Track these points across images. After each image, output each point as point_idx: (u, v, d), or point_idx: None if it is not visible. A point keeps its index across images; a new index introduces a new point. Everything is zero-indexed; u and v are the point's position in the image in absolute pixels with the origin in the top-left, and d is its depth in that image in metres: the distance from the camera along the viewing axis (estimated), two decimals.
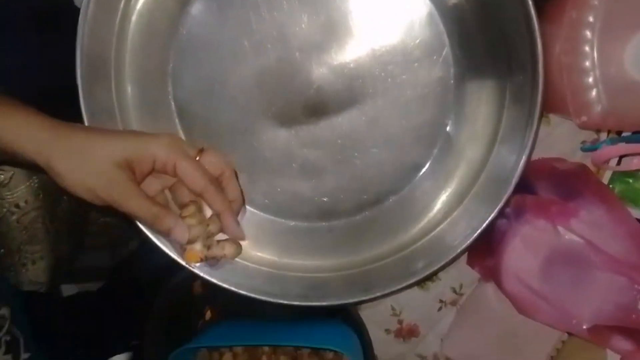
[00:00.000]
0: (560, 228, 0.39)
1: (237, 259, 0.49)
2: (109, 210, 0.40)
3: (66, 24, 0.45)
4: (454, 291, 0.54)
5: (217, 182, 0.41)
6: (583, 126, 0.38)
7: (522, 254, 0.41)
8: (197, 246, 0.41)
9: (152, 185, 0.42)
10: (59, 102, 0.51)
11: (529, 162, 0.42)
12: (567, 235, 0.39)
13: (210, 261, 0.43)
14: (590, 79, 0.35)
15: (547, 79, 0.39)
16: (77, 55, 0.43)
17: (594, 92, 0.36)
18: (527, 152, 0.42)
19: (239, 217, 0.44)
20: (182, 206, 0.42)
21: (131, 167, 0.39)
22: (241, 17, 0.47)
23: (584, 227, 0.38)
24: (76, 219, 0.60)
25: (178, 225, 0.40)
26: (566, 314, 0.40)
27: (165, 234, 0.41)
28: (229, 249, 0.43)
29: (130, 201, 0.39)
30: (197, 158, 0.42)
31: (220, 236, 0.44)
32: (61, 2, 0.50)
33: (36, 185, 0.58)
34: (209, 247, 0.42)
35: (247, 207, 0.51)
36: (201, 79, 0.49)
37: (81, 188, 0.38)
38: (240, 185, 0.44)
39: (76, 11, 0.44)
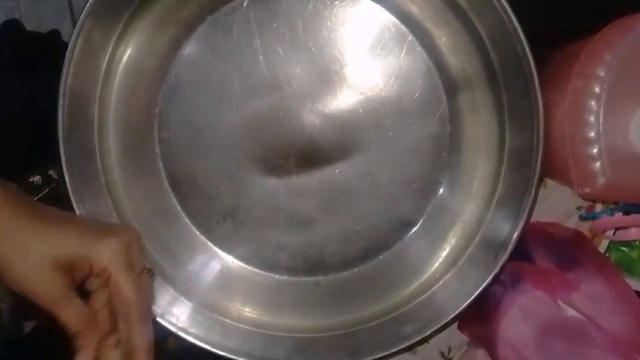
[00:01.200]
0: (560, 302, 0.37)
1: (215, 315, 0.46)
2: None
3: (45, 60, 0.43)
4: (443, 355, 0.52)
5: (145, 312, 0.37)
6: (585, 197, 0.37)
7: (518, 324, 0.39)
8: None
9: (95, 280, 0.37)
10: (30, 138, 0.48)
11: (526, 227, 0.41)
12: (568, 309, 0.37)
13: None
14: (595, 150, 0.35)
15: (547, 146, 0.38)
16: (60, 94, 0.41)
17: (598, 164, 0.35)
18: (524, 218, 0.40)
19: None
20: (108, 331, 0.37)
21: (70, 268, 0.35)
22: (235, 62, 0.46)
23: (584, 301, 0.37)
24: None
25: (89, 350, 0.35)
26: None
27: (74, 349, 0.36)
28: None
29: (56, 312, 0.35)
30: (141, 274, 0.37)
31: None
32: (47, 37, 0.49)
33: None
34: None
35: (232, 257, 0.48)
36: (189, 123, 0.47)
37: (11, 284, 0.34)
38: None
39: (62, 47, 0.42)
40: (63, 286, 0.35)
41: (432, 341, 0.51)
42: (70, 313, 0.35)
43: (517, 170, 0.41)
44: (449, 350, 0.52)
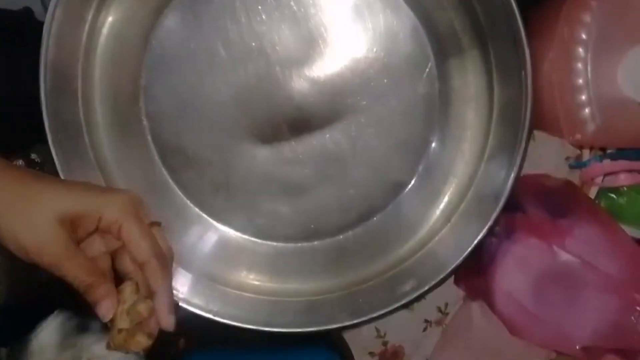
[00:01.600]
0: (555, 247, 0.38)
1: (216, 284, 0.47)
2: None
3: (26, 37, 0.42)
4: (440, 310, 0.53)
5: (163, 258, 0.37)
6: (575, 144, 0.38)
7: (514, 273, 0.40)
8: (121, 329, 0.35)
9: (95, 245, 0.37)
10: (17, 117, 0.47)
11: (517, 180, 0.41)
12: (562, 254, 0.38)
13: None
14: (584, 97, 0.35)
15: (536, 96, 0.38)
16: (41, 69, 0.40)
17: (587, 110, 0.35)
18: (515, 170, 0.41)
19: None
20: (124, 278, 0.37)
21: (74, 224, 0.35)
22: (218, 29, 0.45)
23: (578, 245, 0.38)
24: None
25: (108, 299, 0.35)
26: (560, 334, 0.39)
27: (92, 304, 0.36)
28: (144, 342, 0.36)
29: (64, 266, 0.34)
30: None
31: None
32: (20, 14, 0.47)
33: None
34: (130, 335, 0.36)
35: (228, 228, 0.48)
36: (175, 95, 0.46)
37: (13, 245, 0.33)
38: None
39: (37, 24, 0.40)
40: (69, 241, 0.34)
41: (428, 297, 0.52)
42: (79, 266, 0.34)
43: (507, 123, 0.42)
44: (446, 305, 0.53)
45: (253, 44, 0.45)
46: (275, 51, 0.45)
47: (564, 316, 0.39)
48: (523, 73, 0.38)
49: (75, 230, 0.35)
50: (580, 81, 0.35)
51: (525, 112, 0.39)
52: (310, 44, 0.45)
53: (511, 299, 0.40)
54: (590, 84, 0.35)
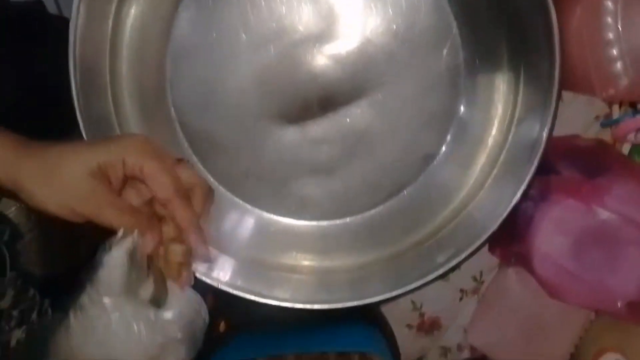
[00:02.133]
0: (594, 207, 0.38)
1: (257, 267, 0.47)
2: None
3: (40, 34, 0.43)
4: (475, 279, 0.53)
5: (186, 194, 0.38)
6: (608, 100, 0.37)
7: (553, 235, 0.40)
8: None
9: (132, 197, 0.39)
10: (32, 115, 0.48)
11: (549, 141, 0.41)
12: (602, 213, 0.38)
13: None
14: (615, 51, 0.35)
15: (564, 55, 0.38)
16: (70, 66, 0.41)
17: (619, 65, 0.35)
18: (547, 130, 0.41)
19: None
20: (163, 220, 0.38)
21: (106, 174, 0.36)
22: (237, 12, 0.45)
23: (617, 203, 0.38)
24: (73, 237, 0.57)
25: (149, 233, 0.36)
26: (601, 292, 0.39)
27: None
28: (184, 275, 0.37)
29: (108, 212, 0.36)
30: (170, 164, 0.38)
31: None
32: (32, 6, 0.47)
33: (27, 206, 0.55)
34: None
35: (262, 211, 0.49)
36: (200, 83, 0.47)
37: (55, 205, 0.35)
38: (211, 210, 0.40)
39: (49, 17, 0.41)
40: (106, 190, 0.36)
41: (463, 267, 0.52)
42: (121, 209, 0.36)
43: (536, 84, 0.41)
44: (481, 274, 0.53)
45: (274, 24, 0.45)
46: (296, 31, 0.45)
47: (605, 274, 0.39)
48: (550, 29, 0.37)
49: (108, 181, 0.36)
50: (611, 35, 0.35)
51: (554, 70, 0.39)
52: (331, 21, 0.45)
53: (551, 261, 0.40)
54: (622, 38, 0.34)
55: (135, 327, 0.34)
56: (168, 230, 0.38)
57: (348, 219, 0.50)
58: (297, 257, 0.49)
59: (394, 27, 0.45)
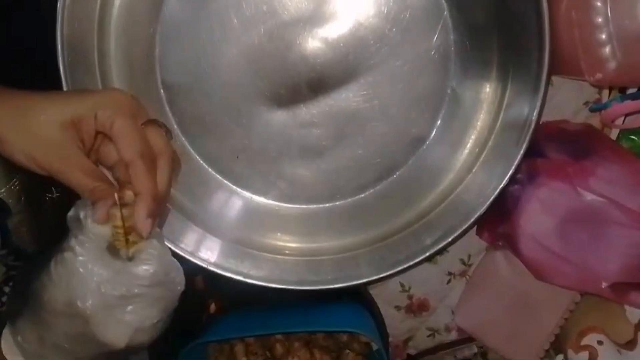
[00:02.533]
0: (579, 189, 0.38)
1: (245, 248, 0.47)
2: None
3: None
4: (463, 262, 0.54)
5: (151, 161, 0.36)
6: (596, 84, 0.38)
7: (539, 216, 0.40)
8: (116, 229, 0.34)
9: (109, 152, 0.37)
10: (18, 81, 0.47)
11: (538, 124, 0.41)
12: (587, 194, 0.38)
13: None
14: (604, 35, 0.35)
15: (553, 37, 0.38)
16: (58, 44, 0.40)
17: (608, 48, 0.35)
18: (536, 114, 0.41)
19: (155, 213, 0.35)
20: (121, 185, 0.36)
21: (78, 128, 0.35)
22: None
23: (602, 184, 0.38)
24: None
25: (102, 201, 0.34)
26: (586, 274, 0.40)
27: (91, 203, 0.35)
28: (134, 242, 0.35)
29: (70, 171, 0.34)
30: (142, 126, 0.36)
31: None
32: None
33: (17, 188, 0.55)
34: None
35: (250, 193, 0.49)
36: (190, 63, 0.46)
37: (21, 153, 0.34)
38: (171, 180, 0.37)
39: None
40: (74, 145, 0.34)
41: (451, 250, 0.53)
42: (83, 170, 0.34)
43: (526, 68, 0.41)
44: (469, 257, 0.53)
45: (264, 7, 0.45)
46: (286, 12, 0.45)
47: (590, 255, 0.40)
48: (540, 14, 0.37)
49: (79, 135, 0.35)
50: (600, 19, 0.35)
51: (544, 54, 0.39)
52: (321, 2, 0.45)
53: (536, 243, 0.41)
54: (611, 21, 0.34)
55: (96, 270, 0.33)
56: (129, 195, 0.35)
57: (337, 202, 0.50)
58: (285, 238, 0.49)
59: (385, 9, 0.45)
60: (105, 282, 0.33)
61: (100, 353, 0.35)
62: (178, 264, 0.36)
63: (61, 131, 0.34)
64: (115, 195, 0.34)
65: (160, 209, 0.36)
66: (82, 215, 0.34)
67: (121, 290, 0.33)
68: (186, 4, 0.45)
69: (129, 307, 0.33)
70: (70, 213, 0.34)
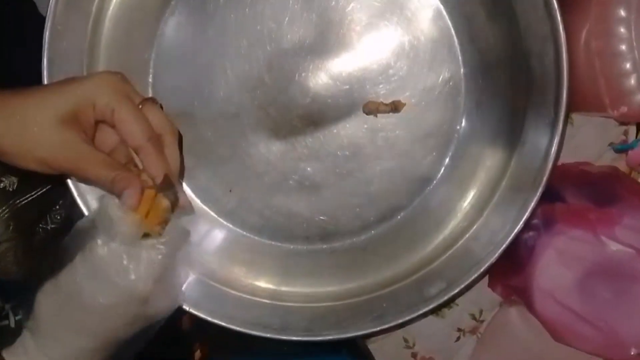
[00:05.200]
0: (603, 238, 0.34)
1: (228, 289, 0.44)
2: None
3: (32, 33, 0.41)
4: (473, 318, 0.49)
5: (158, 141, 0.36)
6: (622, 119, 0.34)
7: (557, 269, 0.36)
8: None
9: (107, 137, 0.36)
10: None
11: (555, 165, 0.37)
12: (612, 244, 0.34)
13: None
14: (628, 65, 0.31)
15: (572, 70, 0.34)
16: (44, 63, 0.39)
17: (633, 79, 0.31)
18: (554, 153, 0.37)
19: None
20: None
21: (77, 121, 0.34)
22: (226, 20, 0.43)
23: (630, 234, 0.33)
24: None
25: (131, 187, 0.34)
26: (611, 337, 0.35)
27: (119, 197, 0.35)
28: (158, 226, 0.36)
29: (84, 166, 0.34)
30: (140, 107, 0.36)
31: None
32: (25, 9, 0.46)
33: (6, 215, 0.53)
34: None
35: (239, 230, 0.46)
36: (184, 90, 0.45)
37: (31, 162, 0.33)
38: (181, 156, 0.38)
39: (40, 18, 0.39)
40: (80, 140, 0.34)
41: (461, 303, 0.48)
42: (98, 162, 0.34)
43: (542, 103, 0.38)
44: (480, 312, 0.49)
45: (265, 33, 0.43)
46: (287, 40, 0.43)
47: (616, 316, 0.34)
48: (557, 42, 0.34)
49: (80, 127, 0.34)
50: (624, 47, 0.31)
51: (561, 86, 0.35)
52: (325, 31, 0.43)
53: (553, 300, 0.36)
54: (636, 49, 0.31)
55: (139, 253, 0.34)
56: (145, 179, 0.35)
57: (335, 243, 0.46)
58: (276, 281, 0.45)
59: (391, 40, 0.43)
60: (149, 261, 0.34)
61: (140, 332, 0.36)
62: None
63: (62, 127, 0.33)
64: (145, 176, 0.34)
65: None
66: (109, 208, 0.34)
67: (163, 262, 0.35)
68: (184, 30, 0.44)
69: (173, 274, 0.37)
70: (97, 211, 0.35)
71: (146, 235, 0.35)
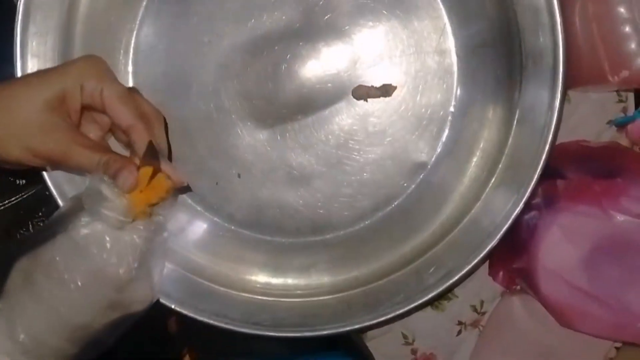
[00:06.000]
0: (609, 210, 0.32)
1: (216, 286, 0.41)
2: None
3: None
4: (474, 310, 0.47)
5: (147, 121, 0.35)
6: (623, 84, 0.32)
7: (562, 247, 0.34)
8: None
9: (90, 131, 0.36)
10: None
11: (555, 141, 0.36)
12: (619, 216, 0.32)
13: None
14: (628, 28, 0.30)
15: (568, 39, 0.33)
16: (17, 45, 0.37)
17: (633, 42, 0.30)
18: (552, 128, 0.36)
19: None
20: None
21: (64, 106, 0.33)
22: (207, 2, 0.42)
23: (637, 204, 0.32)
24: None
25: (126, 168, 0.33)
26: (624, 316, 0.33)
27: (113, 179, 0.34)
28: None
29: (74, 151, 0.33)
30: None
31: None
32: None
33: None
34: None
35: (226, 224, 0.44)
36: (164, 77, 0.43)
37: (15, 148, 0.32)
38: (168, 142, 0.38)
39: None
40: (67, 125, 0.33)
41: (460, 295, 0.46)
42: (87, 146, 0.33)
43: (538, 77, 0.36)
44: (481, 303, 0.47)
45: (247, 16, 0.42)
46: (272, 24, 0.42)
47: (627, 292, 0.33)
48: (551, 12, 0.33)
49: (67, 114, 0.33)
50: (622, 10, 0.30)
51: (558, 58, 0.34)
52: (311, 13, 0.42)
53: (560, 279, 0.34)
54: (636, 11, 0.30)
55: (124, 237, 0.33)
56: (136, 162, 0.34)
57: (328, 235, 0.44)
58: (267, 275, 0.43)
59: (384, 23, 0.42)
60: (132, 245, 0.33)
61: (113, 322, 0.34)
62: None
63: (49, 112, 0.33)
64: (136, 160, 0.33)
65: None
66: (103, 188, 0.33)
67: (144, 249, 0.33)
68: (164, 17, 0.42)
69: (152, 263, 0.35)
70: (85, 190, 0.33)
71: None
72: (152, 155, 0.34)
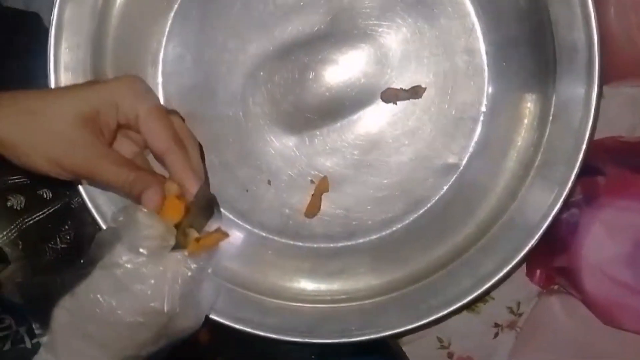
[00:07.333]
0: None
1: (251, 293, 0.41)
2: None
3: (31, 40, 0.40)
4: (511, 311, 0.46)
5: (183, 146, 0.35)
6: None
7: (605, 243, 0.33)
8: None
9: (124, 147, 0.35)
10: None
11: (592, 137, 0.35)
12: None
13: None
14: None
15: (603, 32, 0.32)
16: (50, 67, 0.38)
17: None
18: (590, 124, 0.35)
19: None
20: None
21: (97, 123, 0.32)
22: (233, 10, 0.42)
23: None
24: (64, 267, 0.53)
25: (152, 187, 0.32)
26: None
27: (138, 199, 0.33)
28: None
29: (101, 167, 0.32)
30: None
31: None
32: (29, 16, 0.45)
33: (14, 235, 0.51)
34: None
35: (258, 231, 0.44)
36: (194, 88, 0.43)
37: (42, 159, 0.32)
38: (205, 169, 0.37)
39: (36, 29, 0.39)
40: (97, 140, 0.32)
41: (497, 296, 0.45)
42: (115, 163, 0.33)
43: (573, 73, 0.36)
44: (518, 304, 0.46)
45: (275, 21, 0.42)
46: (298, 29, 0.42)
47: None
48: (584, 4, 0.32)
49: (99, 130, 0.33)
50: None
51: (593, 52, 0.33)
52: (337, 16, 0.42)
53: (603, 275, 0.33)
54: None
55: (164, 268, 0.32)
56: (170, 186, 0.33)
57: (360, 240, 0.44)
58: (299, 282, 0.43)
59: (410, 23, 0.41)
60: (174, 278, 0.32)
61: (160, 348, 0.34)
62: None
63: (79, 126, 0.32)
64: (169, 183, 0.33)
65: None
66: (140, 216, 0.32)
67: (190, 279, 0.33)
68: (191, 25, 0.42)
69: (200, 292, 0.34)
70: (121, 220, 0.33)
71: (176, 247, 0.33)
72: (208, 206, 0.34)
